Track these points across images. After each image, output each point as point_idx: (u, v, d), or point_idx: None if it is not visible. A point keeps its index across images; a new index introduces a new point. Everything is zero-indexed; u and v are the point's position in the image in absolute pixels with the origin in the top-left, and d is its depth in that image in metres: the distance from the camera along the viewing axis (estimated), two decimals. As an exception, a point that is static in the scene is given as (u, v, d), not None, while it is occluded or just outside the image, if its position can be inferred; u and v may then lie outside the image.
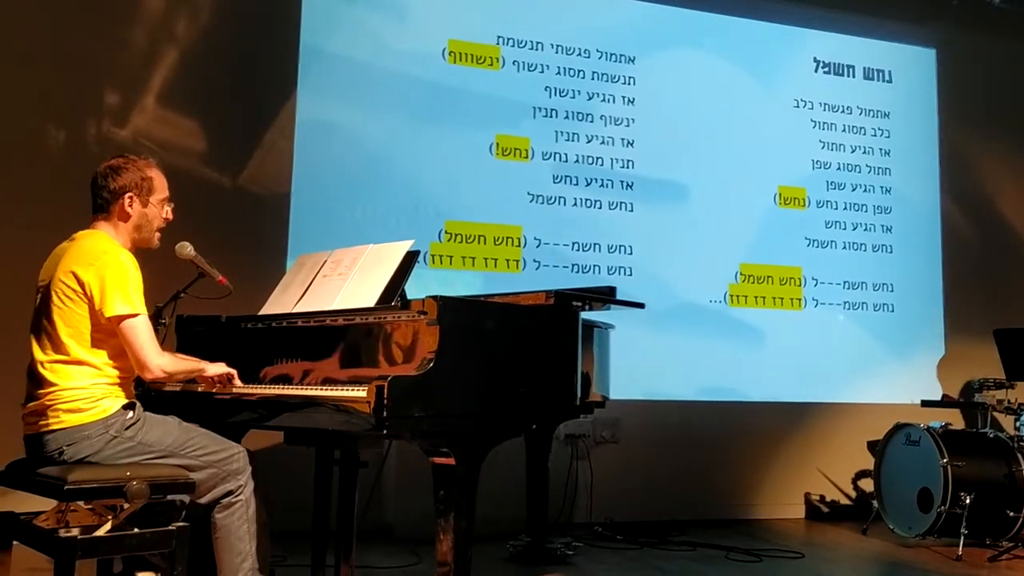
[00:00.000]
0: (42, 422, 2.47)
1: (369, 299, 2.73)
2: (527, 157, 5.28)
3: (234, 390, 2.68)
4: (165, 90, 4.68)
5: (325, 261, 3.05)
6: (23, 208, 4.29)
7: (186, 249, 2.96)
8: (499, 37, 5.30)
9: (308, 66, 4.90)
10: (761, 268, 5.68)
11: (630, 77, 5.56)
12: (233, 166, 4.77)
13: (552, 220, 5.27)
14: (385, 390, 2.25)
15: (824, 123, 5.98)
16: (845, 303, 5.87)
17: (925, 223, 6.14)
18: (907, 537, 4.70)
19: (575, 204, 5.34)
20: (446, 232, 5.05)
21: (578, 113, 5.41)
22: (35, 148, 4.46)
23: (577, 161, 5.38)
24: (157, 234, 2.72)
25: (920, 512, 4.63)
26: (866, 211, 6.00)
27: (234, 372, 2.67)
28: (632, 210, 5.46)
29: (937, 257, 6.12)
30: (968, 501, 4.39)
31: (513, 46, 5.32)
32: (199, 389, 2.75)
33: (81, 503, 2.42)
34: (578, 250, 5.32)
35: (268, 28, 4.89)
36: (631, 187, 5.47)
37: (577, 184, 5.36)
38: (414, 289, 2.90)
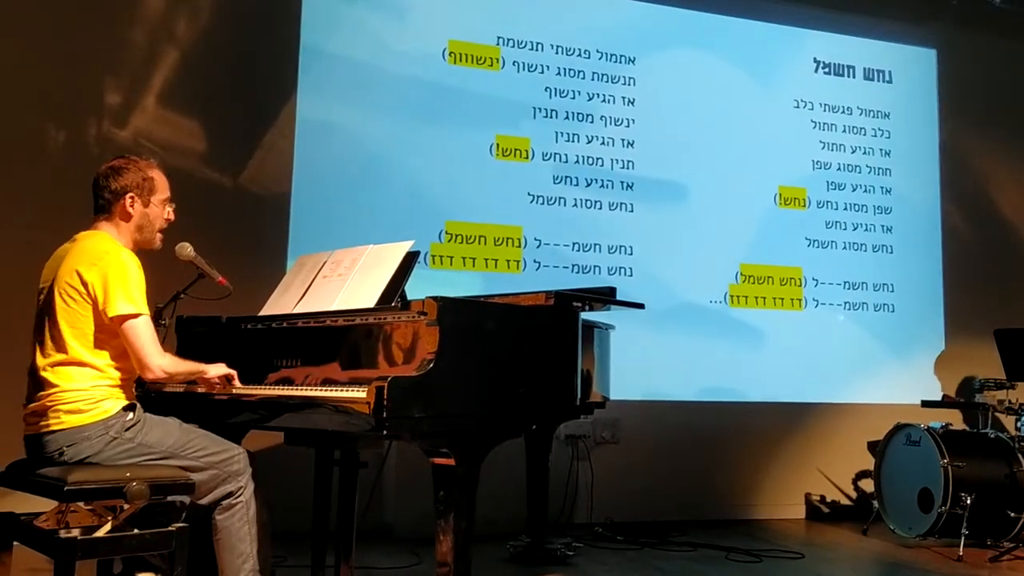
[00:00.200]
0: (42, 423, 2.47)
1: (369, 300, 2.73)
2: (527, 157, 5.28)
3: (234, 391, 2.68)
4: (165, 90, 4.68)
5: (325, 262, 3.05)
6: (23, 208, 4.29)
7: (186, 250, 2.96)
8: (499, 37, 5.30)
9: (308, 66, 4.90)
10: (761, 268, 5.68)
11: (630, 78, 5.56)
12: (233, 166, 4.77)
13: (552, 220, 5.27)
14: (385, 391, 2.25)
15: (824, 123, 5.98)
16: (845, 303, 5.87)
17: (925, 223, 6.14)
18: (907, 538, 4.70)
19: (575, 204, 5.34)
20: (446, 233, 5.05)
21: (578, 113, 5.41)
22: (35, 148, 4.46)
23: (577, 161, 5.38)
24: (159, 235, 2.72)
25: (921, 512, 4.63)
26: (866, 211, 6.00)
27: (234, 373, 2.67)
28: (632, 210, 5.46)
29: (937, 257, 6.12)
30: (969, 502, 4.38)
31: (513, 46, 5.32)
32: (199, 390, 2.75)
33: (81, 504, 2.42)
34: (578, 250, 5.32)
35: (268, 28, 4.89)
36: (631, 187, 5.47)
37: (577, 184, 5.36)
38: (414, 290, 2.90)
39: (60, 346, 2.48)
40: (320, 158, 4.85)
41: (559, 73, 5.40)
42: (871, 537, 4.92)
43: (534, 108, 5.32)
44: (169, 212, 2.74)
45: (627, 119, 5.51)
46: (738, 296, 5.62)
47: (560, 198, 5.31)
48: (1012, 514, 4.47)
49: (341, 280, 2.90)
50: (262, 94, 4.86)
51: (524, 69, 5.33)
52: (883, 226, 6.03)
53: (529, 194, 5.26)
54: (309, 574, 3.18)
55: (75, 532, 2.35)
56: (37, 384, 2.51)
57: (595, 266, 5.33)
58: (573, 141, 5.39)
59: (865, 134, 6.07)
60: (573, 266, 5.29)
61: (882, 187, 6.07)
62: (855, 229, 5.96)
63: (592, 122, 5.44)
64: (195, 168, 4.68)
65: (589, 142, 5.42)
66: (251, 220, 4.74)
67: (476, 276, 5.06)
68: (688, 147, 5.60)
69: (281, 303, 3.06)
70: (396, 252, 2.85)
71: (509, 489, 4.24)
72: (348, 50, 4.97)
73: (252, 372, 2.79)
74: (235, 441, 2.69)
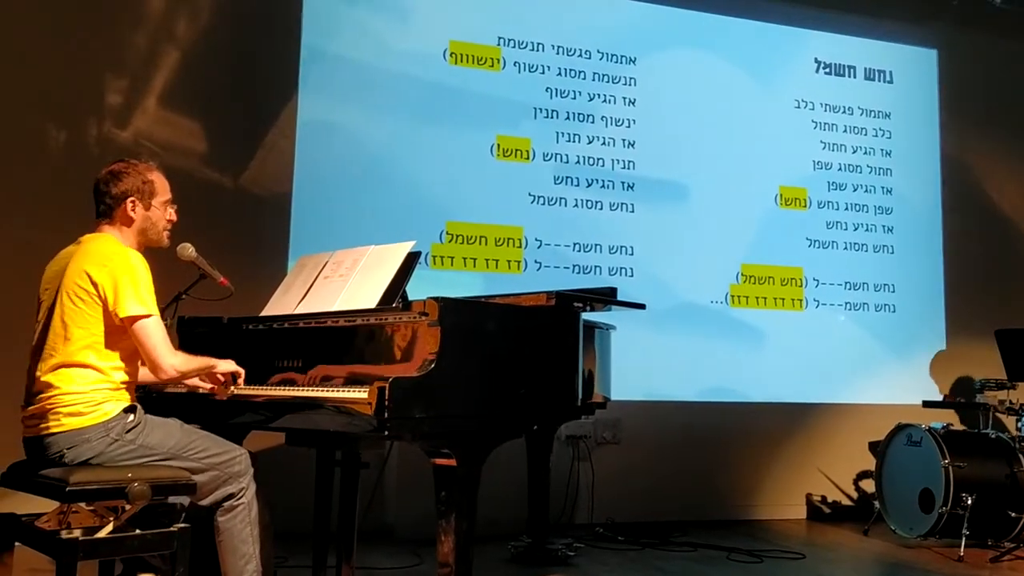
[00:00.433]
0: (42, 425, 2.46)
1: (370, 300, 2.73)
2: (528, 158, 5.28)
3: (234, 391, 2.67)
4: (166, 90, 4.68)
5: (326, 262, 3.05)
6: (23, 208, 4.29)
7: (187, 251, 2.96)
8: (500, 38, 5.30)
9: (309, 67, 4.90)
10: (762, 269, 5.68)
11: (631, 78, 5.55)
12: (234, 167, 4.77)
13: (553, 221, 5.27)
14: (386, 391, 2.24)
15: (825, 124, 5.98)
16: (846, 304, 5.87)
17: (926, 224, 6.14)
18: (908, 538, 4.70)
19: (576, 205, 5.34)
20: (447, 233, 5.05)
21: (579, 114, 5.41)
22: (35, 148, 4.46)
23: (578, 162, 5.37)
24: (166, 233, 2.73)
25: (922, 513, 4.63)
26: (867, 212, 6.00)
27: (241, 372, 2.67)
28: (633, 211, 5.45)
29: (938, 257, 6.12)
30: (970, 502, 4.38)
31: (514, 47, 5.32)
32: (200, 391, 2.75)
33: (83, 504, 2.42)
34: (579, 251, 5.31)
35: (269, 28, 4.89)
36: (632, 188, 5.47)
37: (578, 185, 5.36)
38: (415, 290, 2.90)
39: (63, 348, 2.47)
40: (321, 158, 4.85)
41: (560, 73, 5.40)
42: (872, 537, 4.91)
43: (535, 108, 5.32)
44: (171, 213, 2.74)
45: (628, 119, 5.51)
46: (739, 296, 5.61)
47: (561, 198, 5.31)
48: (1013, 514, 4.47)
49: (342, 281, 2.90)
50: (263, 94, 4.86)
51: (525, 69, 5.33)
52: (884, 226, 6.02)
53: (530, 194, 5.26)
54: (310, 574, 3.19)
55: (76, 533, 2.34)
56: (37, 385, 2.50)
57: (596, 266, 5.33)
58: (574, 141, 5.38)
59: (866, 134, 6.07)
60: (574, 266, 5.29)
61: (883, 187, 6.06)
62: (856, 229, 5.96)
63: (593, 122, 5.44)
64: (196, 168, 4.68)
65: (590, 142, 5.42)
66: (252, 220, 4.73)
67: (477, 276, 5.06)
68: (689, 147, 5.60)
69: (282, 304, 3.06)
70: (397, 253, 2.85)
71: (510, 490, 4.24)
72: (349, 50, 4.97)
73: (254, 373, 2.79)
74: (236, 442, 2.69)
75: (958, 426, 5.15)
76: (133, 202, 2.63)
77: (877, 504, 4.91)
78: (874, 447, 5.19)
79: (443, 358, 2.38)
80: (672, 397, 5.35)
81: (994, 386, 5.12)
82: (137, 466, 2.45)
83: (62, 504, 2.41)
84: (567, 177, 5.34)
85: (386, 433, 2.29)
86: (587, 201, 5.37)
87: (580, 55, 5.46)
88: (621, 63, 5.55)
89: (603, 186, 5.41)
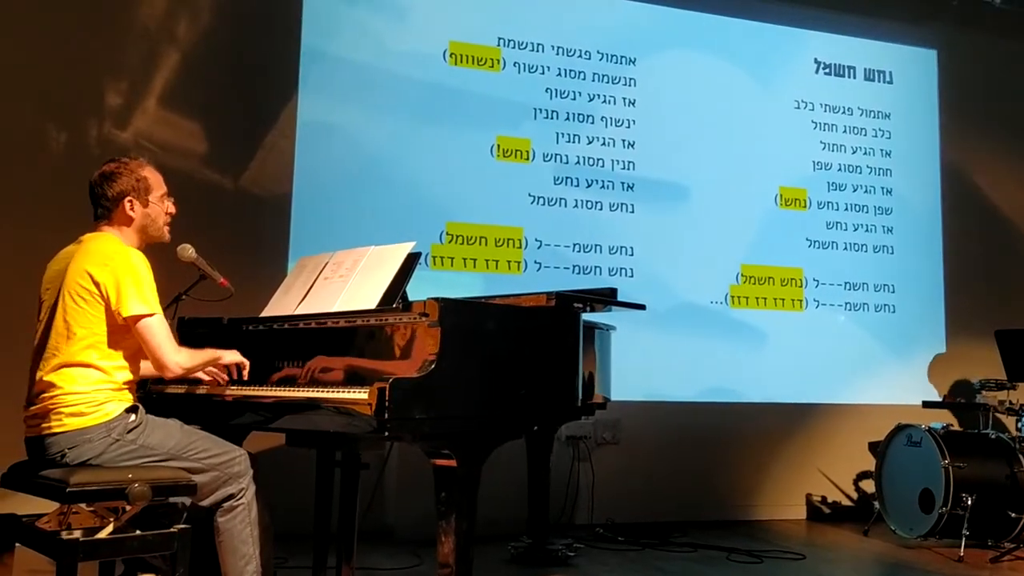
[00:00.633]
0: (44, 425, 2.46)
1: (370, 301, 2.73)
2: (528, 158, 5.28)
3: (233, 391, 2.68)
4: (166, 91, 4.68)
5: (326, 263, 3.05)
6: (23, 208, 4.29)
7: (187, 251, 2.96)
8: (500, 38, 5.30)
9: (309, 67, 4.90)
10: (762, 269, 5.68)
11: (631, 78, 5.55)
12: (234, 167, 4.77)
13: (553, 221, 5.27)
14: (387, 392, 2.25)
15: (825, 124, 5.98)
16: (846, 304, 5.87)
17: (926, 224, 6.14)
18: (908, 538, 4.70)
19: (576, 205, 5.34)
20: (447, 234, 5.05)
21: (579, 114, 5.41)
22: (35, 148, 4.46)
23: (578, 162, 5.38)
24: (166, 228, 2.73)
25: (922, 513, 4.63)
26: (867, 212, 6.00)
27: (246, 363, 2.68)
28: (633, 211, 5.45)
29: (938, 258, 6.12)
30: (970, 502, 4.38)
31: (514, 47, 5.32)
32: (200, 391, 2.75)
33: (83, 505, 2.42)
34: (579, 251, 5.31)
35: (269, 29, 4.89)
36: (632, 188, 5.47)
37: (578, 185, 5.36)
38: (415, 291, 2.90)
39: (65, 347, 2.48)
40: (321, 159, 4.85)
41: (560, 74, 5.41)
42: (872, 538, 4.92)
43: (535, 109, 5.32)
44: (169, 206, 2.74)
45: (628, 120, 5.51)
46: (739, 297, 5.62)
47: (561, 199, 5.31)
48: (1013, 515, 4.47)
49: (342, 281, 2.90)
50: (263, 95, 4.86)
51: (525, 70, 5.33)
52: (884, 227, 6.03)
53: (530, 195, 5.26)
54: (310, 575, 3.18)
55: (77, 533, 2.34)
56: (39, 385, 2.50)
57: (596, 267, 5.33)
58: (574, 142, 5.38)
59: (866, 135, 6.07)
60: (574, 267, 5.29)
61: (883, 188, 6.07)
62: (856, 230, 5.96)
63: (593, 123, 5.44)
64: (196, 169, 4.68)
65: (590, 143, 5.42)
66: (252, 221, 4.73)
67: (477, 277, 5.06)
68: (689, 148, 5.60)
69: (282, 304, 3.05)
70: (397, 253, 2.85)
71: (510, 490, 4.24)
72: (349, 51, 4.97)
73: (254, 373, 2.79)
74: (237, 443, 2.69)
75: (957, 427, 5.14)
76: (131, 201, 2.63)
77: (877, 504, 4.91)
78: (874, 447, 5.19)
79: (443, 359, 2.38)
80: (672, 398, 5.35)
81: (994, 386, 5.12)
82: (137, 467, 2.45)
83: (62, 505, 2.41)
84: (567, 178, 5.34)
85: (386, 434, 2.29)
86: (587, 201, 5.37)
87: (580, 56, 5.46)
88: (621, 64, 5.55)
89: (603, 187, 5.41)
